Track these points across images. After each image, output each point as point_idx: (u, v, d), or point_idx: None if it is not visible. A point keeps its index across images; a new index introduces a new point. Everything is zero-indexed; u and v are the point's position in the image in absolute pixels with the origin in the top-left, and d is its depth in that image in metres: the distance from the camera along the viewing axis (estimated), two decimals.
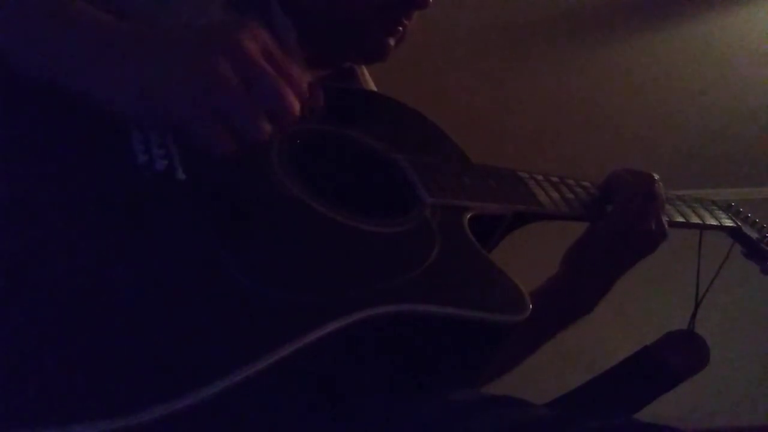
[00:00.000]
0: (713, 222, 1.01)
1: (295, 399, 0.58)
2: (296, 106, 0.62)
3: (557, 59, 2.12)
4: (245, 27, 0.62)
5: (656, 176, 0.92)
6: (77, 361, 0.47)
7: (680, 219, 0.98)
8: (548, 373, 1.98)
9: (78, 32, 0.62)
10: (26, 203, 0.55)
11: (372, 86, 1.03)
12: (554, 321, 0.92)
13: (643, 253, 0.92)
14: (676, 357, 0.97)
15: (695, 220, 0.99)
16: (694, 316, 1.03)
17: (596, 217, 0.91)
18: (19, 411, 0.44)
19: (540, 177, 0.90)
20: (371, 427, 0.65)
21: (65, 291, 0.51)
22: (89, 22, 0.62)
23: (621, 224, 0.89)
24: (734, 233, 1.05)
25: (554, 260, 0.94)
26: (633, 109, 2.27)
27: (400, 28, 0.89)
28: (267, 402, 0.54)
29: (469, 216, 0.77)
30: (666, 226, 0.92)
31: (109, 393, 0.46)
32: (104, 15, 0.63)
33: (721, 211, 1.05)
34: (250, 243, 0.61)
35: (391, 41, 0.89)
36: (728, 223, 1.03)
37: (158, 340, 0.50)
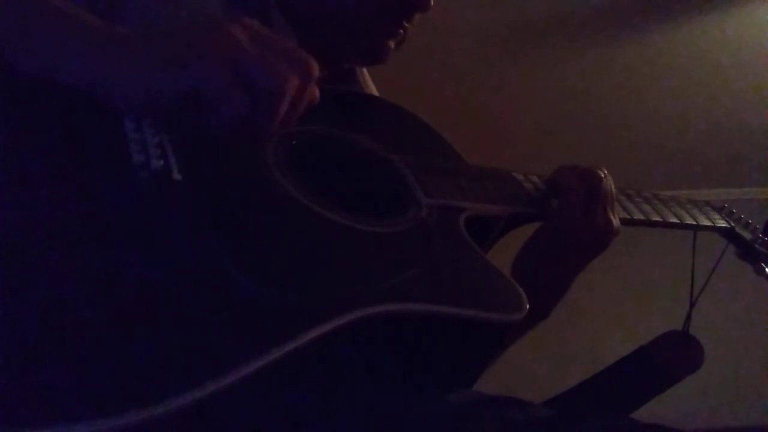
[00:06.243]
0: (707, 223, 1.02)
1: (293, 399, 0.58)
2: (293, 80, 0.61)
3: (557, 59, 2.12)
4: (233, 20, 0.62)
5: (603, 173, 0.86)
6: (75, 361, 0.47)
7: (674, 220, 0.98)
8: (546, 373, 1.99)
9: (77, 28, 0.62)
10: (22, 203, 0.55)
11: (372, 87, 1.03)
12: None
13: (593, 253, 0.86)
14: (671, 358, 0.98)
15: (689, 221, 0.99)
16: (688, 316, 1.03)
17: None
18: (20, 411, 0.44)
19: (536, 179, 0.91)
20: (370, 427, 0.65)
21: (62, 290, 0.51)
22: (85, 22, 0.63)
23: (565, 225, 0.84)
24: (728, 234, 1.05)
25: None
26: (633, 109, 2.27)
27: (401, 31, 0.89)
28: (264, 402, 0.54)
29: (465, 216, 0.78)
30: (615, 223, 0.85)
31: (101, 393, 0.46)
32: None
33: (714, 212, 1.05)
34: (247, 243, 0.61)
35: (392, 44, 0.89)
36: (722, 224, 1.04)
37: (152, 339, 0.50)
